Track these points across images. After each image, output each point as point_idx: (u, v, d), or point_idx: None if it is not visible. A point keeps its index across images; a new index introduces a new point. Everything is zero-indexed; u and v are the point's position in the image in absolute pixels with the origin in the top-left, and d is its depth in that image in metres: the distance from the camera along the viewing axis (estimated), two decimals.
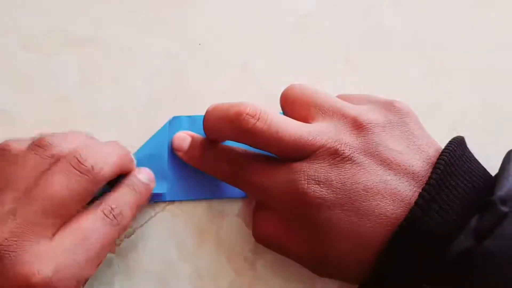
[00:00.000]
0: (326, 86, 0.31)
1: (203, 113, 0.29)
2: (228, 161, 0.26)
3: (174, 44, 0.31)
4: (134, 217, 0.26)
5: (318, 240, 0.24)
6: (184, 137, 0.28)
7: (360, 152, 0.23)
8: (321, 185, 0.23)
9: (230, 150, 0.26)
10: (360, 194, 0.23)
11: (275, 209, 0.25)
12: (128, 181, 0.26)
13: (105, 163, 0.24)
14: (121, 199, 0.25)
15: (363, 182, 0.23)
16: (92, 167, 0.23)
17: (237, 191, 0.28)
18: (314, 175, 0.23)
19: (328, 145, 0.23)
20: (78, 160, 0.23)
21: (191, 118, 0.29)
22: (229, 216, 0.28)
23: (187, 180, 0.28)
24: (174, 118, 0.29)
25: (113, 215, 0.24)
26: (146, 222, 0.28)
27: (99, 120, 0.29)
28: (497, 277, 0.21)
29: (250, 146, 0.25)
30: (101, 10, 0.31)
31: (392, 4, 0.33)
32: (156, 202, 0.28)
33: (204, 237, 0.28)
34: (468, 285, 0.21)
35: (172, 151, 0.28)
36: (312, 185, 0.23)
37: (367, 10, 0.33)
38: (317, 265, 0.25)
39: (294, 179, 0.23)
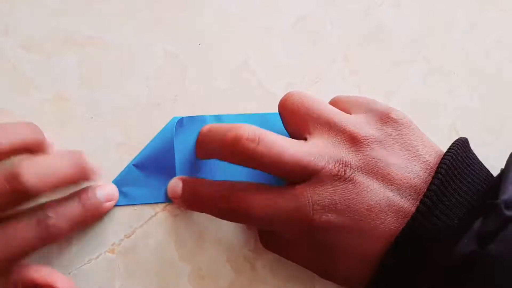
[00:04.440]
0: (325, 86, 0.31)
1: (203, 113, 0.29)
2: (225, 198, 0.25)
3: (174, 44, 0.31)
4: (72, 231, 0.25)
5: (324, 261, 0.24)
6: (176, 183, 0.27)
7: (361, 171, 0.23)
8: (326, 209, 0.23)
9: (224, 186, 0.25)
10: (364, 214, 0.23)
11: (281, 234, 0.25)
12: (81, 193, 0.26)
13: None
14: (63, 210, 0.25)
15: (366, 201, 0.23)
16: None
17: None
18: (319, 200, 0.23)
19: (329, 166, 0.23)
20: None
21: (197, 118, 0.29)
22: None
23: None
24: (179, 118, 0.29)
25: (46, 226, 0.24)
26: (146, 222, 0.28)
27: (99, 120, 0.29)
28: (501, 281, 0.21)
29: (249, 167, 0.25)
30: (101, 10, 0.31)
31: (392, 4, 0.33)
32: (162, 202, 0.28)
33: (204, 237, 0.28)
34: None
35: (178, 152, 0.28)
36: (318, 210, 0.23)
37: (367, 10, 0.33)
38: (323, 277, 0.26)
39: (300, 206, 0.23)
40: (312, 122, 0.25)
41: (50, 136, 0.28)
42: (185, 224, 0.28)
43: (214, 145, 0.25)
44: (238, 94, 0.30)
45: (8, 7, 0.30)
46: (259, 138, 0.24)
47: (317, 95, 0.28)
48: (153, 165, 0.28)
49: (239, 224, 0.28)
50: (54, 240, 0.25)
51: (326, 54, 0.32)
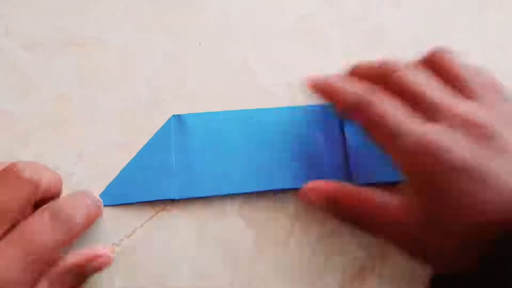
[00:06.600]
0: None
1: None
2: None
3: (174, 44, 0.31)
4: (87, 227, 0.25)
5: (436, 204, 0.22)
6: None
7: (498, 123, 0.22)
8: (455, 146, 0.21)
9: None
10: (495, 171, 0.21)
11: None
12: (86, 192, 0.27)
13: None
14: (77, 204, 0.25)
15: (502, 146, 0.21)
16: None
17: (246, 186, 0.28)
18: (449, 137, 0.22)
19: (461, 114, 0.22)
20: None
21: (195, 116, 0.29)
22: (230, 216, 0.28)
23: (196, 177, 0.28)
24: (177, 116, 0.29)
25: (63, 219, 0.24)
26: (146, 221, 0.28)
27: (99, 120, 0.29)
28: None
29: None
30: (101, 10, 0.31)
31: (391, 4, 0.33)
32: (161, 201, 0.28)
33: (204, 237, 0.28)
34: None
35: (178, 150, 0.28)
36: (445, 142, 0.21)
37: (367, 10, 0.33)
38: (423, 231, 0.22)
39: (427, 139, 0.22)
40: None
41: (51, 136, 0.28)
42: (185, 223, 0.28)
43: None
44: (238, 94, 0.30)
45: (8, 7, 0.30)
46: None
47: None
48: (152, 163, 0.28)
49: (240, 224, 0.28)
50: (75, 236, 0.24)
51: (326, 54, 0.32)
